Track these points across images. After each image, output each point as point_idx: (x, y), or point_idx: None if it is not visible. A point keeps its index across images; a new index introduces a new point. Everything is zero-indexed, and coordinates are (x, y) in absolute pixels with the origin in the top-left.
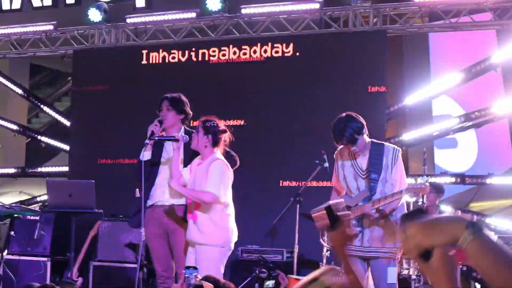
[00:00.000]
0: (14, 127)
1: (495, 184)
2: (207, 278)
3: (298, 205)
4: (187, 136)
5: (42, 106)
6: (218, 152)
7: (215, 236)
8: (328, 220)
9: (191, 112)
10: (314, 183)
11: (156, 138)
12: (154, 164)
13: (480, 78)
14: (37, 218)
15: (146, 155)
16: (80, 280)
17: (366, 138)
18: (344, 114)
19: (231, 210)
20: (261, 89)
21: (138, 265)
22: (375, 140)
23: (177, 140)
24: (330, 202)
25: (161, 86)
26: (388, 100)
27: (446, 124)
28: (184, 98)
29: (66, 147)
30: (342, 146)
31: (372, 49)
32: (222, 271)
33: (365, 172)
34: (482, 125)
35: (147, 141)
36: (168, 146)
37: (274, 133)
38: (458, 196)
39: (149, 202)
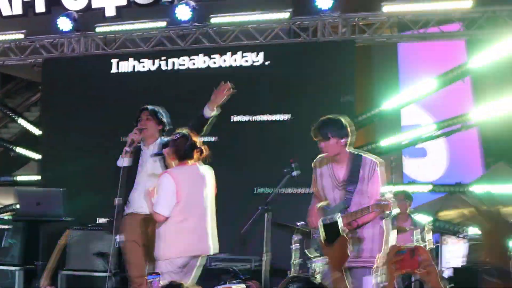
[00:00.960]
0: None
1: (464, 193)
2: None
3: (266, 214)
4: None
5: (12, 115)
6: (181, 166)
7: (160, 250)
8: (325, 235)
9: (168, 124)
10: (289, 190)
11: (152, 155)
12: (132, 171)
13: (449, 88)
14: (6, 227)
15: (125, 161)
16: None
17: (341, 146)
18: (337, 116)
19: (180, 223)
20: (232, 98)
21: (108, 273)
22: (354, 151)
23: (163, 155)
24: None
25: (131, 95)
26: (358, 109)
27: (418, 132)
28: (163, 110)
29: (37, 156)
30: (321, 155)
31: (341, 59)
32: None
33: (341, 183)
34: (451, 133)
35: (127, 148)
36: (144, 153)
37: (247, 141)
38: (428, 205)
39: (128, 210)
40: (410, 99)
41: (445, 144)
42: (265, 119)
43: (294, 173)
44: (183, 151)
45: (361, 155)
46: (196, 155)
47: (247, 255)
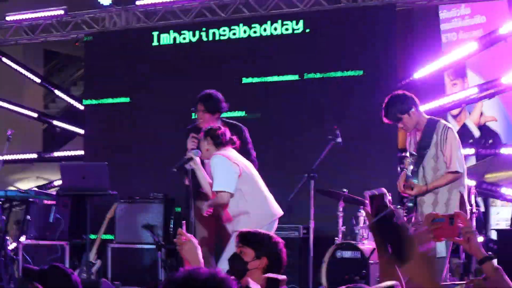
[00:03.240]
0: (30, 113)
1: (509, 155)
2: None
3: (312, 181)
4: (198, 150)
5: (57, 91)
6: (222, 149)
7: (247, 223)
8: (371, 208)
9: (225, 106)
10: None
11: (175, 169)
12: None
13: (493, 49)
14: (53, 202)
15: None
16: (98, 262)
17: (415, 116)
18: (393, 94)
19: (255, 194)
20: (274, 66)
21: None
22: (433, 118)
23: (191, 159)
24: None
25: (173, 67)
26: (399, 74)
27: (461, 95)
28: (217, 95)
29: (82, 131)
30: None
31: (382, 23)
32: None
33: (417, 148)
34: (495, 95)
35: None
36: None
37: (288, 109)
38: (473, 168)
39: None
40: (451, 62)
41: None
42: (305, 87)
43: (339, 140)
44: (219, 141)
45: (437, 121)
46: (229, 144)
47: (294, 223)
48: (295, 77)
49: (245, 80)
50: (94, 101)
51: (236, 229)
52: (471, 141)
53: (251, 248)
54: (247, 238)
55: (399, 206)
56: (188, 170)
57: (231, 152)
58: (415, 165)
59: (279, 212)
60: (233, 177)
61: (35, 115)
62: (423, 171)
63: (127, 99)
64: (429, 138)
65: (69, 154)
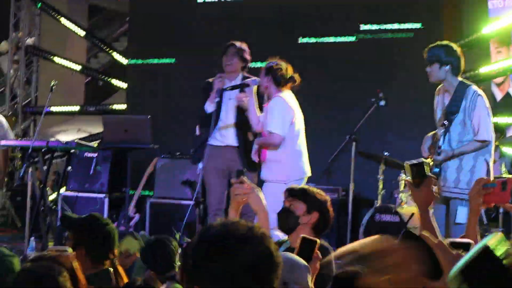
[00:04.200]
0: (73, 65)
1: None
2: None
3: (354, 143)
4: (257, 79)
5: (101, 45)
6: (284, 92)
7: (277, 172)
8: (415, 178)
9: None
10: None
11: (229, 88)
12: (216, 106)
13: None
14: (95, 155)
15: (211, 107)
16: (137, 216)
17: (445, 73)
18: (449, 42)
19: (294, 146)
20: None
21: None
22: (465, 82)
23: (247, 85)
24: (420, 159)
25: (218, 25)
26: (445, 38)
27: (506, 63)
28: (245, 46)
29: (124, 85)
30: (440, 84)
31: None
32: None
33: (445, 112)
34: None
35: (215, 95)
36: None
37: (334, 66)
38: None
39: (214, 143)
40: (497, 29)
41: None
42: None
43: (382, 103)
44: (280, 78)
45: (469, 85)
46: (290, 83)
47: (333, 185)
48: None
49: (301, 40)
50: (138, 61)
51: (264, 175)
52: None
53: (302, 201)
54: (298, 192)
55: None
56: None
57: (289, 95)
58: (443, 127)
59: (309, 172)
60: (288, 121)
61: (78, 67)
62: (449, 136)
63: (172, 60)
64: (459, 102)
65: (111, 108)
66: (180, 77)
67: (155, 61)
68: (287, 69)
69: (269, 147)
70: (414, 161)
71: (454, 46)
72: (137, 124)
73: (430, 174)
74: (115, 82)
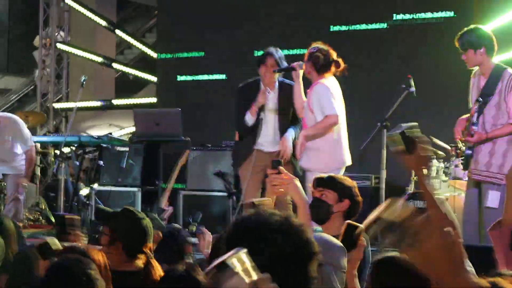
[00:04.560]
0: (103, 60)
1: None
2: None
3: (385, 130)
4: (302, 63)
5: (130, 39)
6: (326, 78)
7: (316, 161)
8: (403, 145)
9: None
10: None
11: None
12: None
13: None
14: (127, 149)
15: (251, 120)
16: (170, 209)
17: (481, 56)
18: (478, 26)
19: (333, 134)
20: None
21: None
22: (501, 64)
23: (294, 69)
24: (404, 125)
25: (246, 16)
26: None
27: None
28: (280, 52)
29: (154, 79)
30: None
31: None
32: None
33: (480, 95)
34: None
35: (256, 109)
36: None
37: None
38: None
39: (258, 147)
40: None
41: None
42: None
43: (412, 89)
44: (322, 64)
45: (505, 68)
46: (333, 68)
47: (365, 173)
48: (382, 25)
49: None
50: (168, 55)
51: (303, 163)
52: None
53: (333, 190)
54: (327, 181)
55: (454, 154)
56: None
57: (332, 81)
58: (476, 112)
59: (349, 162)
60: (336, 103)
61: (108, 62)
62: (483, 118)
63: (201, 53)
64: (494, 85)
65: (142, 102)
66: (209, 70)
67: (185, 54)
68: (329, 55)
69: (324, 132)
70: (396, 131)
71: (484, 28)
72: (167, 117)
73: (418, 136)
74: (145, 76)
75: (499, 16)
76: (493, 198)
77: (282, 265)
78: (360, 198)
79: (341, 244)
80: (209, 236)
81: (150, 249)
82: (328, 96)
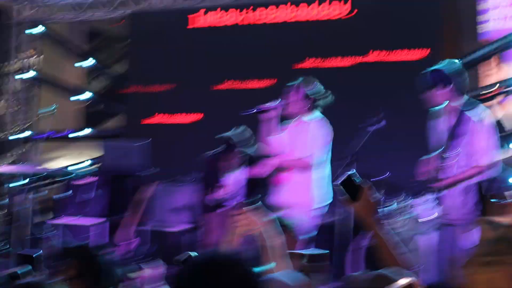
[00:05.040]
0: (74, 89)
1: None
2: None
3: (354, 164)
4: (282, 101)
5: (100, 69)
6: (315, 114)
7: (308, 196)
8: (347, 193)
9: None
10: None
11: (255, 110)
12: None
13: None
14: (95, 179)
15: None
16: (137, 240)
17: (448, 94)
18: (451, 60)
19: (325, 170)
20: (316, 48)
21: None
22: (473, 100)
23: (275, 109)
24: (350, 173)
25: (218, 47)
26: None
27: (508, 81)
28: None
29: (123, 109)
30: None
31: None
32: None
33: (450, 133)
34: None
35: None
36: None
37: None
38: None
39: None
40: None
41: None
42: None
43: (382, 123)
44: (312, 102)
45: (477, 103)
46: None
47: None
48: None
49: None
50: (138, 85)
51: (289, 199)
52: None
53: None
54: None
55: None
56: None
57: (321, 116)
58: (448, 150)
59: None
60: (325, 145)
61: (77, 91)
62: (457, 156)
63: (171, 86)
64: (463, 125)
65: (111, 132)
66: (179, 102)
67: (155, 85)
68: (326, 95)
69: (299, 168)
70: (342, 178)
71: (455, 63)
72: (136, 149)
73: (361, 182)
74: (115, 105)
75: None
76: (468, 238)
77: None
78: None
79: (295, 284)
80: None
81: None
82: (320, 136)
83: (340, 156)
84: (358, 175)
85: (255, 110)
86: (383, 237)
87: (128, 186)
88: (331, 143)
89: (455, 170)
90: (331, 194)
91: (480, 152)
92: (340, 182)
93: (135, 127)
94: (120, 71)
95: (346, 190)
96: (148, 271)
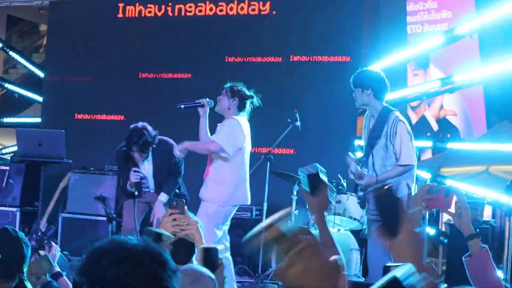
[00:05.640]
0: None
1: (466, 150)
2: None
3: (268, 163)
4: (211, 101)
5: (18, 57)
6: (240, 115)
7: (218, 194)
8: (308, 187)
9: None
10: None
11: (183, 106)
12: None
13: (456, 44)
14: (7, 167)
15: (132, 189)
16: (50, 229)
17: (367, 98)
18: (370, 68)
19: (240, 172)
20: (237, 46)
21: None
22: (389, 107)
23: (202, 106)
24: (318, 166)
25: (137, 40)
26: (364, 62)
27: (423, 87)
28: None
29: (40, 99)
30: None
31: (349, 10)
32: (218, 230)
33: (370, 136)
34: (456, 90)
35: (181, 106)
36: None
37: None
38: (429, 161)
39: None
40: (415, 54)
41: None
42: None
43: (297, 123)
44: (244, 104)
45: (391, 111)
46: (248, 107)
47: (247, 204)
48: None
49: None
50: (56, 75)
51: (202, 194)
52: (428, 134)
53: None
54: None
55: (353, 194)
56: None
57: (245, 120)
58: (365, 153)
59: (248, 201)
60: (235, 143)
61: None
62: (372, 160)
63: (90, 77)
64: (381, 127)
65: (26, 121)
66: (96, 94)
67: (73, 76)
68: (252, 95)
69: (201, 151)
70: (311, 170)
71: (376, 70)
72: (51, 138)
73: (325, 181)
74: (32, 95)
75: (368, 60)
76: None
77: None
78: None
79: (211, 275)
80: (55, 250)
81: (23, 272)
82: (230, 132)
83: (257, 154)
84: (324, 174)
85: (182, 106)
86: (327, 233)
87: (42, 175)
88: (246, 147)
89: (373, 169)
90: (246, 196)
91: (399, 156)
92: (307, 172)
93: (52, 117)
94: (38, 60)
95: (307, 181)
96: (53, 250)
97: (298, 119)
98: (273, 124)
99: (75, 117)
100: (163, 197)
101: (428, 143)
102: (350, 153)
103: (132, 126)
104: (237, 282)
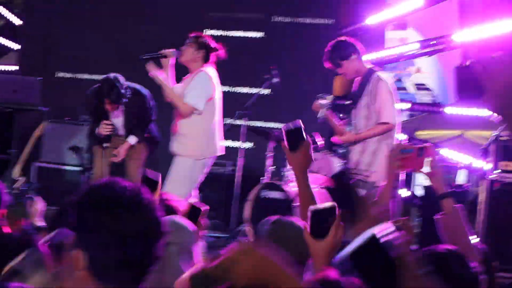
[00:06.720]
0: None
1: (444, 114)
2: None
3: (244, 119)
4: (177, 51)
5: None
6: (209, 67)
7: (190, 148)
8: (291, 142)
9: None
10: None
11: (144, 57)
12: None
13: (437, 7)
14: None
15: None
16: (22, 179)
17: (355, 62)
18: (336, 40)
19: (210, 123)
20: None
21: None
22: (373, 68)
23: (164, 56)
24: (300, 124)
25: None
26: (342, 22)
27: (401, 49)
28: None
29: (17, 46)
30: None
31: None
32: (194, 183)
33: (352, 94)
34: (434, 53)
35: (143, 57)
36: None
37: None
38: (405, 123)
39: None
40: (394, 16)
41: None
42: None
43: (275, 80)
44: (210, 55)
45: (374, 71)
46: (214, 57)
47: (221, 159)
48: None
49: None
50: (32, 22)
51: (175, 148)
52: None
53: None
54: None
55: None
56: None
57: (213, 71)
58: (348, 112)
59: (221, 152)
60: (206, 97)
61: None
62: (355, 119)
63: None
64: (363, 86)
65: (2, 69)
66: (73, 42)
67: (50, 23)
68: (217, 48)
69: (174, 102)
70: (291, 126)
71: (345, 37)
72: (26, 85)
73: (307, 138)
74: (8, 42)
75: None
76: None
77: (128, 243)
78: None
79: (193, 228)
80: (39, 205)
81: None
82: (201, 87)
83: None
84: (302, 132)
85: (148, 56)
86: (307, 191)
87: (16, 122)
88: (216, 98)
89: (356, 128)
90: (214, 148)
91: (381, 114)
92: (286, 128)
93: (28, 65)
94: (16, 7)
95: (288, 138)
96: (37, 204)
97: (276, 75)
98: (251, 84)
99: (51, 65)
100: (132, 139)
101: (407, 105)
102: (320, 97)
103: (103, 76)
104: (210, 236)
